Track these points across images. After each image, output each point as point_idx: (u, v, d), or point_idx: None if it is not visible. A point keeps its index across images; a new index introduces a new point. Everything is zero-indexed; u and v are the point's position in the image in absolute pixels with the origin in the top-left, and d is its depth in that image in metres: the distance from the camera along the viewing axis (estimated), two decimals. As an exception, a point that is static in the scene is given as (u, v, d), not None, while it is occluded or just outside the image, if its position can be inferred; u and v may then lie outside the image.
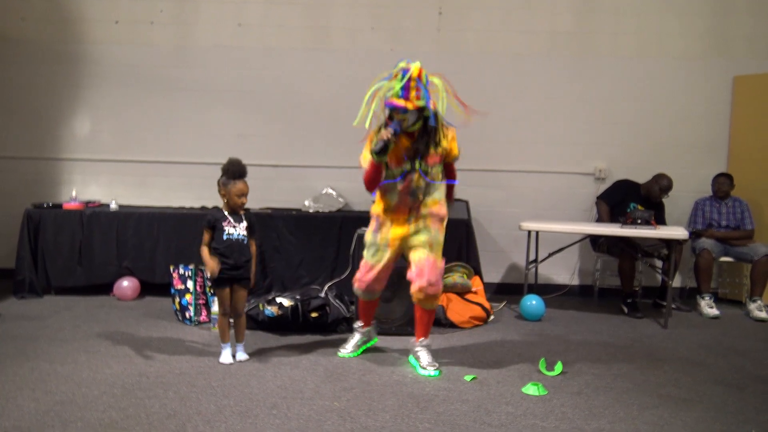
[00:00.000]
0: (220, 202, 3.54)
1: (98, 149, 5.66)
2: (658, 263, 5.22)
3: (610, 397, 3.11)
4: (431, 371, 3.36)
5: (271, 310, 4.05)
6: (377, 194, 3.48)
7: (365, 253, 3.54)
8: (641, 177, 5.37)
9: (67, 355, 3.52)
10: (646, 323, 4.67)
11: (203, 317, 4.33)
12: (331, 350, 3.73)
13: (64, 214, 5.04)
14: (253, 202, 3.63)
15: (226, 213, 3.45)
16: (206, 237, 3.44)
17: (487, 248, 5.52)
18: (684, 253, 5.22)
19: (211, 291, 4.25)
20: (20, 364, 3.33)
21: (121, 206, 5.31)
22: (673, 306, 4.97)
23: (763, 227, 5.36)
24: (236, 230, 3.44)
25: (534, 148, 5.63)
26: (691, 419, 2.86)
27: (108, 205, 5.27)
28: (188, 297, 4.29)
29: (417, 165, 3.31)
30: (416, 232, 3.38)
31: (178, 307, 4.36)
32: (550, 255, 5.13)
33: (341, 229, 5.03)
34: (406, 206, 3.37)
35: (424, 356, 3.46)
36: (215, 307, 4.07)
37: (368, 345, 3.77)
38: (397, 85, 3.16)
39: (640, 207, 5.02)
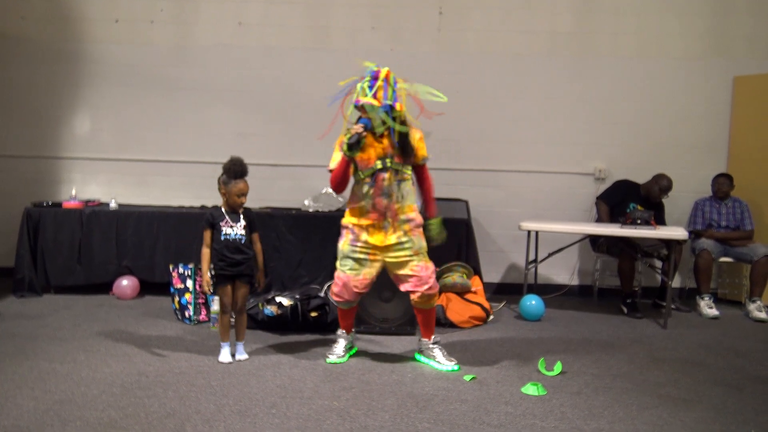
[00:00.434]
0: (219, 202, 3.54)
1: (98, 148, 5.66)
2: (658, 263, 5.22)
3: (609, 397, 3.11)
4: (451, 366, 3.44)
5: (270, 309, 4.05)
6: (348, 205, 3.48)
7: (339, 264, 3.47)
8: (641, 177, 5.36)
9: (67, 354, 3.52)
10: (645, 323, 4.66)
11: (203, 316, 4.33)
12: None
13: (63, 213, 5.04)
14: (252, 202, 3.63)
15: (224, 212, 3.46)
16: (207, 237, 3.44)
17: (487, 248, 5.52)
18: (684, 253, 5.20)
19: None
20: (19, 363, 3.33)
21: (120, 205, 5.31)
22: (673, 306, 4.97)
23: (763, 228, 5.36)
24: (233, 230, 3.44)
25: (534, 148, 5.63)
26: (691, 419, 2.86)
27: (108, 204, 5.26)
28: (188, 296, 4.29)
29: (388, 163, 3.35)
30: (399, 245, 3.37)
31: (177, 306, 4.37)
32: (549, 255, 5.13)
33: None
34: (381, 208, 3.36)
35: (439, 353, 3.52)
36: (215, 306, 4.08)
37: (353, 352, 3.70)
38: (366, 85, 3.30)
39: (639, 207, 5.01)
